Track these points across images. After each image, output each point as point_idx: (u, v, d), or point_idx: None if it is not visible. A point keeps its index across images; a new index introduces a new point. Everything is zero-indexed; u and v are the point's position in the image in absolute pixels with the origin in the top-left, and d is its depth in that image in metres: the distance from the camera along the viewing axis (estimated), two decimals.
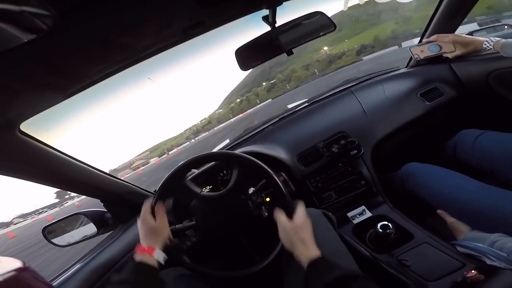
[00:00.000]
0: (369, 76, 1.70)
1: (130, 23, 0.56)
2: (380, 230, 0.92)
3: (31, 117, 0.68)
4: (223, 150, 0.92)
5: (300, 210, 0.76)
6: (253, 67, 1.00)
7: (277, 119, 1.65)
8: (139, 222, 0.82)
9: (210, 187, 1.38)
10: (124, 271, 0.69)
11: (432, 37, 1.26)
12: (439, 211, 0.96)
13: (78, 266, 0.93)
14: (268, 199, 1.10)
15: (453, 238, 0.87)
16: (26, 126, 0.72)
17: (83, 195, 1.06)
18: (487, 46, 1.10)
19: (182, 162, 0.89)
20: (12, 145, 0.71)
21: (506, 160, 0.98)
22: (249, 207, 0.99)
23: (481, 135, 1.12)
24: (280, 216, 0.76)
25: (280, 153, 1.33)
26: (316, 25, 1.00)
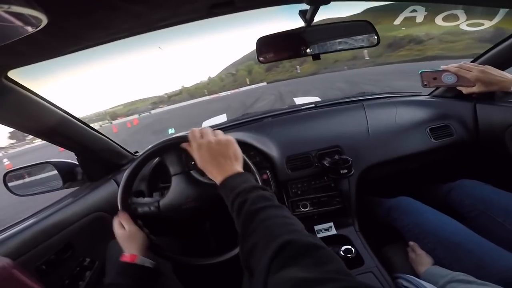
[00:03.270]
0: (387, 94, 1.68)
1: None
2: (342, 253, 0.99)
3: (20, 67, 0.63)
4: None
5: (192, 136, 0.73)
6: (271, 62, 0.93)
7: (279, 112, 1.63)
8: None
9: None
10: (116, 274, 0.74)
11: (453, 66, 1.16)
12: (411, 243, 1.04)
13: (32, 220, 0.94)
14: None
15: (405, 270, 0.98)
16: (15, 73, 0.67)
17: (58, 145, 1.05)
18: None
19: (150, 147, 0.92)
20: None
21: (501, 218, 1.00)
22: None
23: (480, 187, 1.15)
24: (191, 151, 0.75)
25: (271, 150, 1.33)
26: (358, 35, 0.93)
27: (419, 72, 1.24)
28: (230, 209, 0.59)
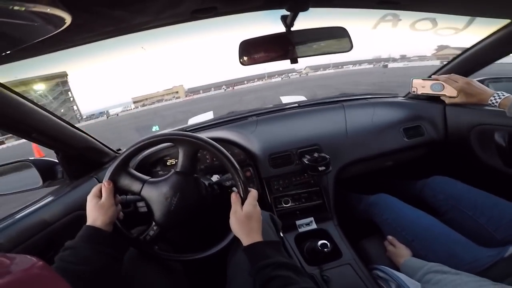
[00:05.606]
0: (366, 96, 1.76)
1: None
2: (319, 247, 1.03)
3: None
4: (186, 132, 0.80)
5: (251, 200, 0.79)
6: (253, 64, 0.95)
7: (264, 111, 1.69)
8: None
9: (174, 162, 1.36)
10: (78, 238, 0.69)
11: (444, 76, 1.20)
12: (389, 237, 1.11)
13: (10, 220, 0.90)
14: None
15: (382, 262, 1.05)
16: None
17: (36, 143, 1.01)
18: (493, 102, 1.06)
19: (142, 139, 0.82)
20: None
21: (470, 212, 1.07)
22: (208, 196, 0.91)
23: (451, 183, 1.22)
24: (236, 203, 0.79)
25: (254, 147, 1.38)
26: (334, 41, 0.99)
27: (411, 79, 1.29)
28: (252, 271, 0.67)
